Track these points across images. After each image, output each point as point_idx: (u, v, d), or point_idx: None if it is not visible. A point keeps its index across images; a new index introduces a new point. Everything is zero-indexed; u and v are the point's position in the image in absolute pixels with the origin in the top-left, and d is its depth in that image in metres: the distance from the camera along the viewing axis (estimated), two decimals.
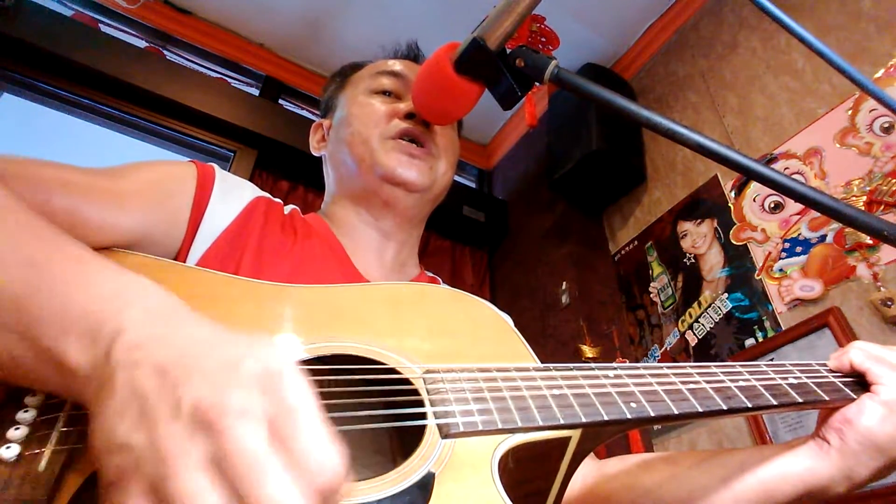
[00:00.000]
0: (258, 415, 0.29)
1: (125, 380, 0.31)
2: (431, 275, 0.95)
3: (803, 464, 0.61)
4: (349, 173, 0.87)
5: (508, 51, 0.61)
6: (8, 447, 0.34)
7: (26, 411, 0.36)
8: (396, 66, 0.93)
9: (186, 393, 0.29)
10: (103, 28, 2.33)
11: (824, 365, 0.63)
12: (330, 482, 0.29)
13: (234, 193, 0.74)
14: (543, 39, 2.27)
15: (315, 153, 0.98)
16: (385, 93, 0.90)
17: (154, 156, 2.36)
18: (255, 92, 2.64)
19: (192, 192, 0.68)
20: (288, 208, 0.85)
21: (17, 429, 0.35)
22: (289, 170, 2.44)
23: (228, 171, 2.32)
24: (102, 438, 0.30)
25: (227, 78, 2.61)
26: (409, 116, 0.84)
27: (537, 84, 0.60)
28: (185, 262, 0.64)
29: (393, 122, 0.84)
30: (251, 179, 2.33)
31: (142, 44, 2.43)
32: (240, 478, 0.27)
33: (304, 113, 2.70)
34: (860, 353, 0.62)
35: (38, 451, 0.34)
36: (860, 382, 0.61)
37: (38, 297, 0.36)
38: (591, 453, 0.80)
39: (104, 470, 0.29)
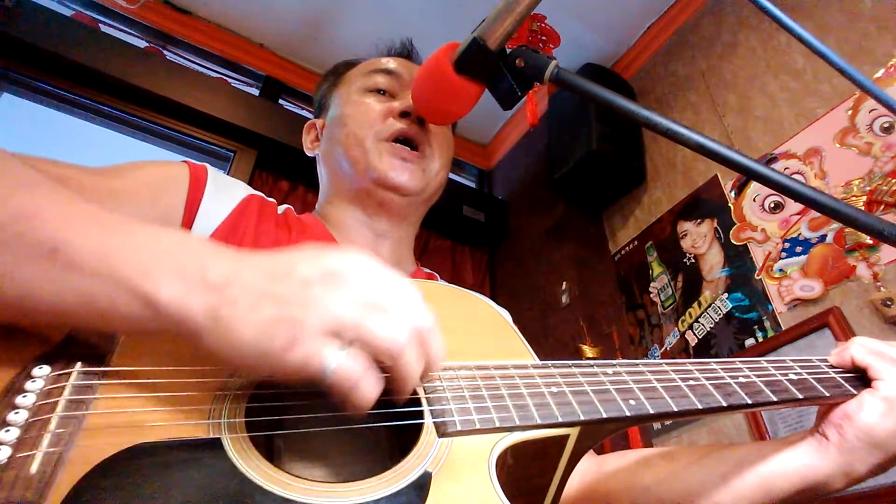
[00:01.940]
0: (359, 270, 0.40)
1: (241, 292, 0.37)
2: (428, 271, 0.95)
3: (801, 459, 0.60)
4: (344, 174, 0.87)
5: (508, 51, 0.61)
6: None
7: (17, 413, 0.36)
8: (390, 63, 0.93)
9: (302, 272, 0.39)
10: (103, 28, 2.33)
11: (825, 360, 0.63)
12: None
13: (226, 192, 0.74)
14: (544, 38, 2.27)
15: (309, 153, 0.98)
16: (379, 91, 0.89)
17: (154, 156, 2.36)
18: (255, 92, 2.64)
19: (185, 191, 0.69)
20: (282, 208, 0.85)
21: (8, 430, 0.35)
22: (289, 170, 2.44)
23: (228, 171, 2.34)
24: (250, 332, 0.36)
25: (227, 78, 2.60)
26: (403, 115, 0.84)
27: (537, 84, 0.60)
28: None
29: (388, 122, 0.84)
30: (251, 179, 2.33)
31: (142, 44, 2.43)
32: (381, 304, 0.39)
33: (304, 113, 2.70)
34: (861, 349, 0.61)
35: (29, 452, 0.34)
36: (860, 378, 0.61)
37: (118, 245, 0.39)
38: (591, 450, 0.80)
39: (271, 345, 0.36)
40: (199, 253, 0.40)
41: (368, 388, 0.38)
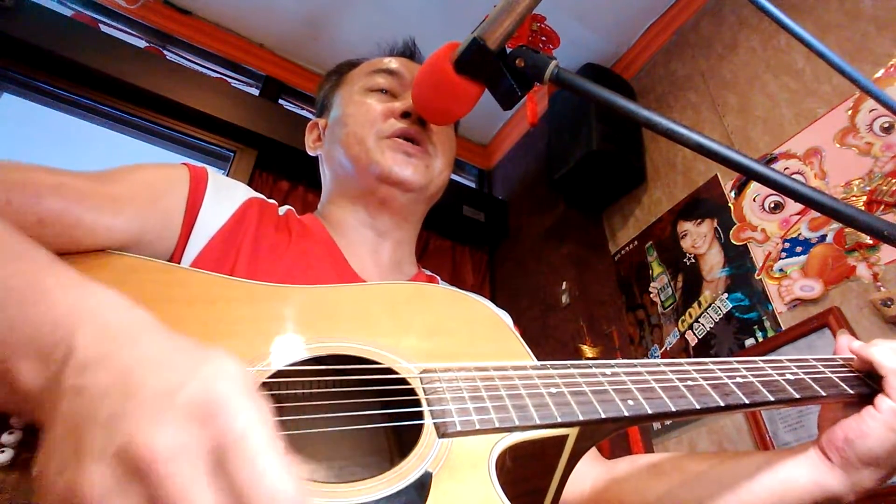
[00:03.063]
0: (195, 451, 0.26)
1: (68, 408, 0.28)
2: (430, 273, 0.95)
3: (810, 476, 0.61)
4: (345, 173, 0.87)
5: (508, 51, 0.61)
6: (2, 451, 0.34)
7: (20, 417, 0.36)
8: (392, 63, 0.92)
9: (117, 429, 0.26)
10: (103, 28, 2.33)
11: (821, 360, 0.63)
12: None
13: (226, 194, 0.74)
14: (544, 38, 2.27)
15: (311, 153, 0.98)
16: (381, 91, 0.89)
17: (154, 156, 2.37)
18: (255, 92, 2.64)
19: (184, 194, 0.68)
20: (283, 209, 0.85)
21: (11, 433, 0.35)
22: (289, 170, 2.44)
23: (228, 171, 2.34)
24: (40, 470, 0.28)
25: (227, 78, 2.61)
26: (405, 115, 0.84)
27: (537, 84, 0.60)
28: (179, 263, 0.64)
29: (389, 122, 0.84)
30: (251, 179, 2.33)
31: (142, 44, 2.43)
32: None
33: (305, 113, 2.70)
34: (890, 356, 0.60)
35: (31, 455, 0.34)
36: (860, 378, 0.61)
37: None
38: (600, 455, 0.80)
39: None
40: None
41: None
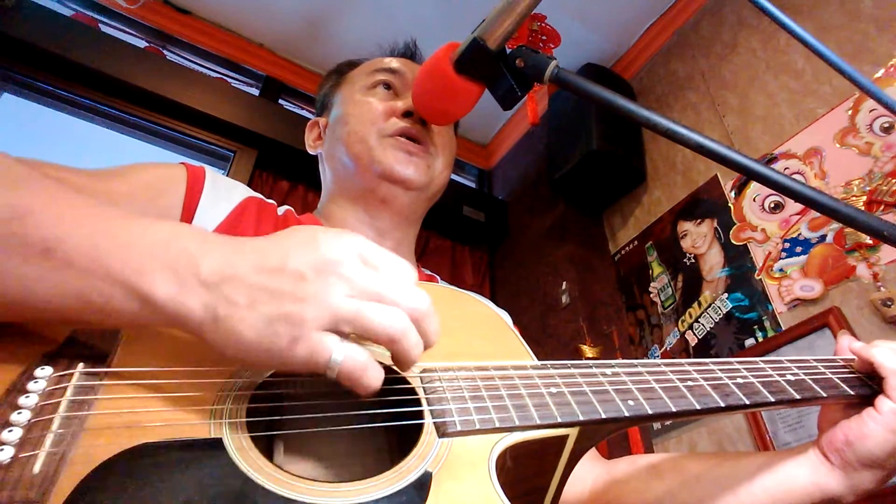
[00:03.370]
0: (352, 256, 0.40)
1: (236, 289, 0.37)
2: (429, 273, 0.95)
3: (809, 477, 0.61)
4: (346, 172, 0.87)
5: (508, 51, 0.61)
6: (1, 449, 0.34)
7: (20, 413, 0.36)
8: (393, 63, 0.92)
9: (295, 265, 0.38)
10: (103, 28, 2.33)
11: (822, 361, 0.63)
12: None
13: (224, 194, 0.74)
14: (544, 38, 2.27)
15: (311, 151, 0.98)
16: (384, 86, 0.89)
17: (154, 156, 2.37)
18: (255, 92, 2.64)
19: (182, 193, 0.69)
20: (282, 209, 0.85)
21: (11, 430, 0.35)
22: (289, 170, 2.44)
23: (228, 171, 2.34)
24: (252, 332, 0.36)
25: (227, 78, 2.60)
26: (406, 115, 0.84)
27: (537, 84, 0.60)
28: None
29: (391, 121, 0.84)
30: (251, 179, 2.33)
31: (142, 44, 2.43)
32: (376, 290, 0.39)
33: (305, 113, 2.70)
34: (891, 357, 0.60)
35: (32, 452, 0.34)
36: (860, 379, 0.61)
37: (111, 241, 0.39)
38: (600, 456, 0.80)
39: (273, 343, 0.37)
40: (192, 246, 0.40)
41: (374, 374, 0.39)
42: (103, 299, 0.38)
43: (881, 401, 0.58)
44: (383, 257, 0.42)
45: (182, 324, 0.38)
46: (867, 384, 0.60)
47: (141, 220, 0.42)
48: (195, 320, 0.38)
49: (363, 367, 0.38)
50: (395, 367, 0.43)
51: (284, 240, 0.41)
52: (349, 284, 0.39)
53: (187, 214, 0.68)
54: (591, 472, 0.77)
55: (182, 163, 0.74)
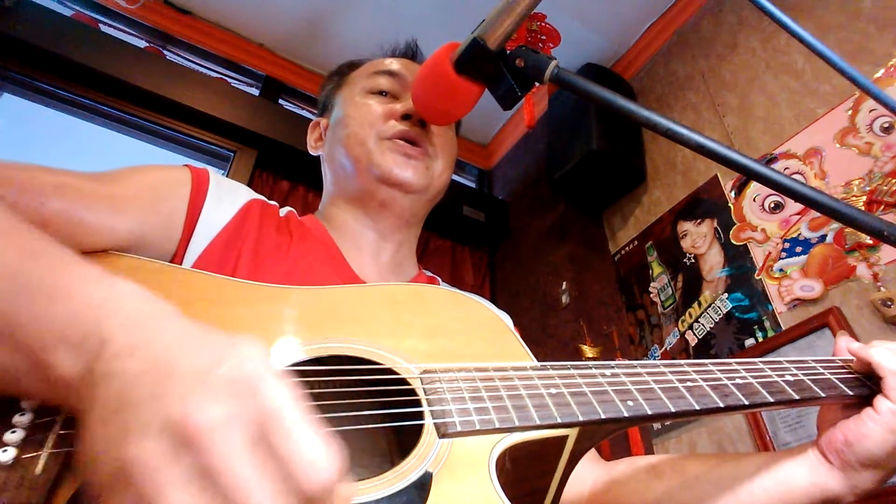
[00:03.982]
0: (237, 423, 0.28)
1: (106, 393, 0.30)
2: (430, 274, 0.95)
3: (809, 477, 0.61)
4: (346, 174, 0.87)
5: (508, 51, 0.61)
6: (4, 450, 0.34)
7: (23, 414, 0.36)
8: (393, 65, 0.92)
9: (163, 405, 0.28)
10: (103, 28, 2.33)
11: (820, 361, 0.63)
12: (322, 483, 0.28)
13: (228, 196, 0.74)
14: (544, 38, 2.27)
15: (312, 152, 0.98)
16: (382, 93, 0.89)
17: (154, 156, 2.37)
18: (255, 92, 2.64)
19: (186, 196, 0.68)
20: (284, 210, 0.85)
21: (14, 432, 0.35)
22: (289, 170, 2.44)
23: (228, 171, 2.34)
24: (88, 452, 0.29)
25: (227, 78, 2.61)
26: (405, 117, 0.84)
27: (537, 84, 0.60)
28: (181, 264, 0.64)
29: (389, 123, 0.84)
30: (251, 179, 2.33)
31: (142, 44, 2.43)
32: (225, 493, 0.26)
33: (305, 113, 2.70)
34: (888, 357, 0.60)
35: (34, 454, 0.34)
36: (859, 379, 0.61)
37: (25, 307, 0.35)
38: (599, 457, 0.80)
39: (91, 485, 0.29)
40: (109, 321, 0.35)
41: None
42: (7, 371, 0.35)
43: (879, 401, 0.58)
44: (297, 430, 0.29)
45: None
46: (866, 384, 0.61)
47: (71, 281, 0.37)
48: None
49: None
50: (395, 368, 0.44)
51: (192, 353, 0.32)
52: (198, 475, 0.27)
53: (191, 217, 0.68)
54: (590, 472, 0.77)
55: (186, 165, 0.74)
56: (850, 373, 0.62)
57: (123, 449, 0.27)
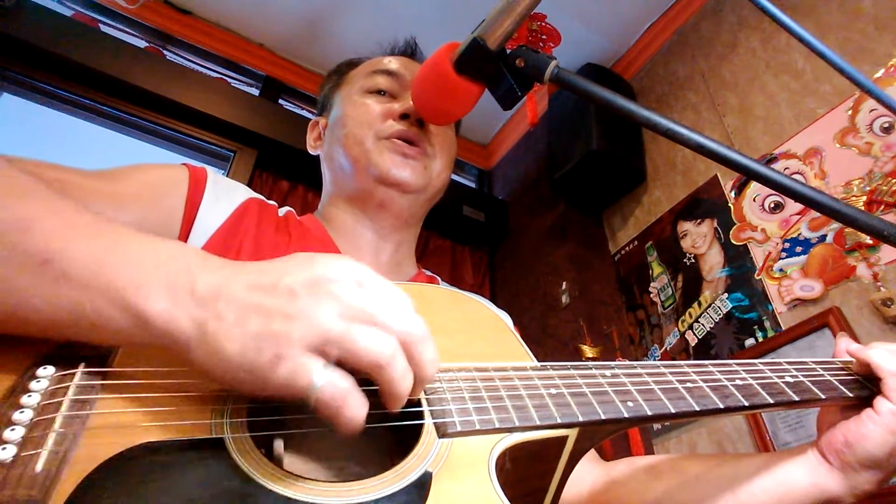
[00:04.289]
0: (347, 278, 0.39)
1: (227, 305, 0.37)
2: (430, 274, 0.95)
3: (808, 478, 0.61)
4: (344, 174, 0.87)
5: (508, 51, 0.61)
6: (4, 448, 0.34)
7: (22, 412, 0.36)
8: (392, 64, 0.92)
9: (288, 282, 0.38)
10: (103, 28, 2.33)
11: (820, 363, 0.63)
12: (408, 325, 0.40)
13: (226, 195, 0.74)
14: (544, 38, 2.27)
15: (311, 151, 0.98)
16: (380, 92, 0.89)
17: (154, 156, 2.37)
18: (255, 92, 2.64)
19: (184, 194, 0.69)
20: (283, 210, 0.85)
21: (14, 429, 0.35)
22: (289, 170, 2.44)
23: (228, 171, 2.34)
24: (236, 348, 0.35)
25: (227, 78, 2.61)
26: (403, 117, 0.84)
27: (537, 84, 0.60)
28: None
29: (388, 123, 0.84)
30: (251, 179, 2.33)
31: (142, 44, 2.43)
32: (368, 313, 0.38)
33: (304, 113, 2.70)
34: (887, 359, 0.60)
35: (34, 451, 0.34)
36: (858, 381, 0.61)
37: (111, 258, 0.39)
38: (599, 457, 0.80)
39: (254, 366, 0.36)
40: (190, 264, 0.39)
41: (355, 408, 0.37)
42: (97, 314, 0.37)
43: (880, 402, 0.58)
44: (379, 282, 0.41)
45: (172, 341, 0.37)
46: (865, 386, 0.61)
47: (142, 236, 0.42)
48: (184, 337, 0.37)
49: (344, 394, 0.36)
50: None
51: (283, 261, 0.41)
52: (340, 304, 0.37)
53: (189, 215, 0.68)
54: (590, 473, 0.77)
55: (184, 164, 0.74)
56: (849, 374, 0.62)
57: (284, 319, 0.36)
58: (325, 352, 0.36)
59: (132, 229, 0.42)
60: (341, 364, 0.37)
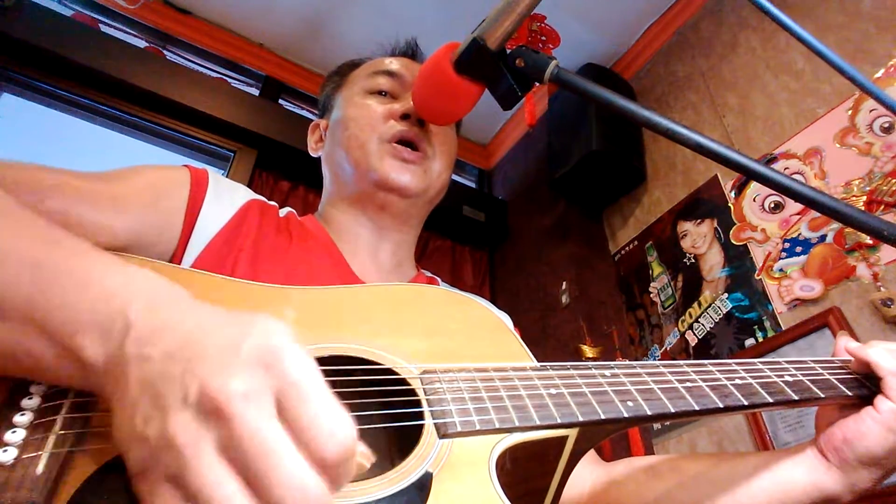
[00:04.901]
0: (263, 394, 0.30)
1: (136, 373, 0.32)
2: (430, 275, 0.95)
3: (808, 476, 0.61)
4: (345, 176, 0.87)
5: (508, 51, 0.61)
6: (5, 450, 0.34)
7: (23, 414, 0.36)
8: (393, 64, 0.92)
9: (192, 381, 0.30)
10: (103, 28, 2.33)
11: (819, 362, 0.63)
12: (343, 450, 0.30)
13: (227, 196, 0.74)
14: (544, 38, 2.27)
15: (313, 154, 0.98)
16: (381, 93, 0.89)
17: (154, 156, 2.36)
18: (255, 92, 2.64)
19: (185, 196, 0.69)
20: (283, 211, 0.85)
21: (14, 431, 0.35)
22: (289, 170, 2.44)
23: (228, 171, 2.34)
24: (122, 430, 0.31)
25: (227, 78, 2.61)
26: (404, 117, 0.84)
27: (537, 84, 0.60)
28: (179, 264, 0.64)
29: (389, 124, 0.84)
30: (251, 179, 2.33)
31: (142, 44, 2.43)
32: (254, 460, 0.28)
33: (305, 113, 2.70)
34: (886, 358, 0.60)
35: (35, 453, 0.34)
36: (858, 380, 0.61)
37: (49, 295, 0.36)
38: (599, 458, 0.80)
39: (128, 462, 0.31)
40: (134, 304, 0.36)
41: None
42: (34, 355, 0.36)
43: (880, 400, 0.58)
44: (318, 397, 0.31)
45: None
46: (865, 385, 0.61)
47: (88, 267, 0.38)
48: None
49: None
50: (395, 368, 0.44)
51: (214, 335, 0.34)
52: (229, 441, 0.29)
53: (190, 217, 0.68)
54: (590, 473, 0.77)
55: (185, 165, 0.74)
56: (848, 373, 0.62)
57: (159, 423, 0.29)
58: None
59: (80, 253, 0.39)
60: None
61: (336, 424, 0.30)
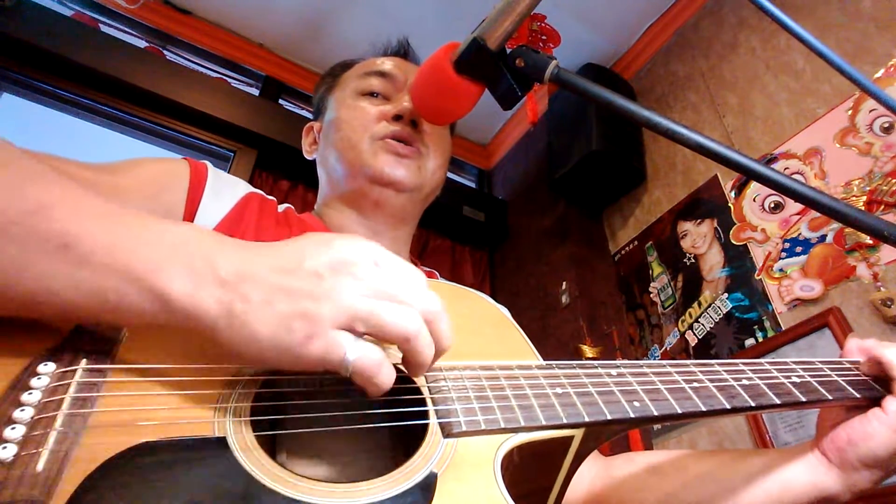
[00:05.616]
0: (365, 259, 0.41)
1: (253, 287, 0.38)
2: (428, 269, 0.95)
3: (809, 476, 0.61)
4: (339, 177, 0.87)
5: (508, 51, 0.61)
6: (4, 447, 0.33)
7: (23, 410, 0.36)
8: (385, 65, 0.92)
9: (311, 264, 0.39)
10: (103, 28, 2.33)
11: (827, 363, 0.63)
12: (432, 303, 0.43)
13: (227, 189, 0.74)
14: (544, 38, 2.27)
15: (308, 156, 0.98)
16: (373, 94, 0.89)
17: (154, 155, 2.36)
18: (255, 92, 2.64)
19: (185, 188, 0.69)
20: (282, 207, 0.85)
21: (14, 428, 0.35)
22: (289, 169, 2.44)
23: (228, 171, 2.34)
24: (267, 329, 0.37)
25: (227, 78, 2.60)
26: (397, 118, 0.84)
27: (537, 84, 0.60)
28: None
29: (381, 124, 0.84)
30: (251, 179, 2.33)
31: (142, 44, 2.43)
32: (389, 292, 0.40)
33: (304, 113, 2.70)
34: None
35: (35, 451, 0.34)
36: (864, 382, 0.61)
37: (131, 241, 0.39)
38: (597, 452, 0.80)
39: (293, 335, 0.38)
40: (210, 247, 0.40)
41: (387, 373, 0.40)
42: (118, 297, 0.38)
43: (889, 401, 0.58)
44: (395, 262, 0.43)
45: (196, 323, 0.38)
46: (873, 387, 0.60)
47: (158, 220, 0.42)
48: (209, 318, 0.38)
49: (377, 364, 0.39)
50: (399, 367, 0.43)
51: (300, 243, 0.42)
52: (364, 284, 0.40)
53: (190, 209, 0.68)
54: (589, 470, 0.77)
55: (185, 158, 0.74)
56: (857, 375, 0.62)
57: (311, 298, 0.38)
58: (352, 328, 0.39)
59: (146, 213, 0.43)
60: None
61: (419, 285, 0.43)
